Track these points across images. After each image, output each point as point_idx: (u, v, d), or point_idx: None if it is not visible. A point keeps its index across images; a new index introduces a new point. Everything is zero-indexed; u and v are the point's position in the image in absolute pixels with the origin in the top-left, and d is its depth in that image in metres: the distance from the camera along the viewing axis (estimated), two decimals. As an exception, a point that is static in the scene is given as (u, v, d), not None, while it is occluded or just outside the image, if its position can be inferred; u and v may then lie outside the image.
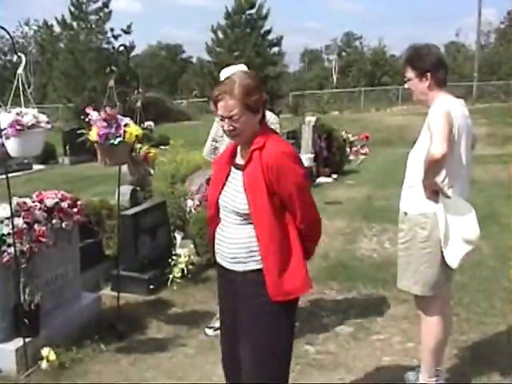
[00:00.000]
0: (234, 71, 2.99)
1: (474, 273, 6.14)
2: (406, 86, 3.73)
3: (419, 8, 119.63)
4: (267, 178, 2.71)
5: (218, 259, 2.99)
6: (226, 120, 2.75)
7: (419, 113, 25.71)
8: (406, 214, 3.69)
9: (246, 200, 2.76)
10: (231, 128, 2.75)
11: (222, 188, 2.90)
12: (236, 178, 2.86)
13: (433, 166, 3.37)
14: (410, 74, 3.63)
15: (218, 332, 4.73)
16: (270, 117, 4.45)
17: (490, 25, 55.85)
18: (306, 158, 12.27)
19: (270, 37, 39.28)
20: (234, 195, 2.83)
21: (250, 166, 2.77)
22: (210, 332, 4.85)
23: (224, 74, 4.48)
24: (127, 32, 36.05)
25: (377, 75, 54.49)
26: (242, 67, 4.55)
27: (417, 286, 3.67)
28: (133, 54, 39.95)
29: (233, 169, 2.91)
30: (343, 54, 65.60)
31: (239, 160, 2.90)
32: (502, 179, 12.37)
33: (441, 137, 3.30)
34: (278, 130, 4.41)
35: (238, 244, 2.84)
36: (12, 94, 3.95)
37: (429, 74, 3.55)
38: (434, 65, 3.56)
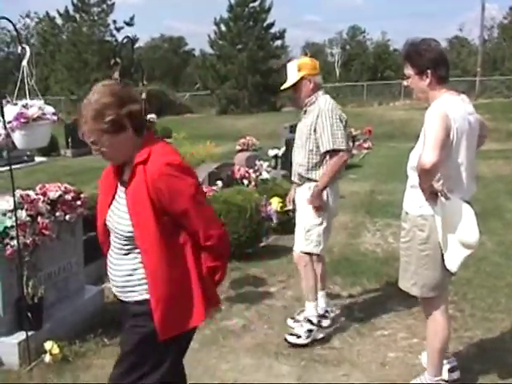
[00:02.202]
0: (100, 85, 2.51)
1: (478, 268, 6.11)
2: (405, 83, 3.60)
3: (422, 2, 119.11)
4: (154, 196, 2.40)
5: (111, 286, 2.72)
6: (93, 146, 2.46)
7: (422, 107, 25.61)
8: (407, 213, 3.64)
9: (131, 222, 2.46)
10: (100, 153, 2.47)
11: (109, 208, 2.61)
12: (122, 196, 2.57)
13: (423, 175, 3.29)
14: (409, 71, 3.49)
15: (296, 324, 4.76)
16: (326, 105, 4.45)
17: (493, 20, 55.69)
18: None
19: (272, 30, 39.24)
20: (120, 216, 2.53)
21: (133, 183, 2.46)
22: (290, 322, 4.85)
23: (290, 66, 4.55)
24: (130, 24, 36.06)
25: (379, 69, 54.40)
26: (305, 59, 4.62)
27: (415, 287, 3.63)
28: (135, 46, 39.87)
29: (119, 186, 2.61)
30: (347, 47, 65.44)
31: (124, 176, 2.58)
32: (505, 174, 12.35)
33: (433, 145, 3.19)
34: (327, 122, 4.36)
35: (125, 272, 2.56)
36: (18, 87, 3.92)
37: (429, 72, 3.39)
38: (435, 61, 3.41)
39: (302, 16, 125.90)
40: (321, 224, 4.53)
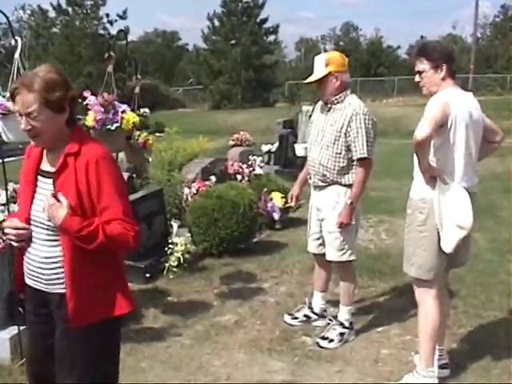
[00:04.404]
0: None
1: (471, 265, 6.08)
2: (417, 78, 3.74)
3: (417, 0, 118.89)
4: (82, 187, 2.46)
5: (28, 281, 2.67)
6: (24, 117, 2.44)
7: (415, 104, 25.67)
8: (411, 199, 3.78)
9: None
10: (29, 127, 2.45)
11: (32, 200, 2.58)
12: (45, 187, 2.55)
13: (417, 148, 3.48)
14: (424, 65, 3.66)
15: (294, 322, 4.85)
16: (359, 108, 4.29)
17: (486, 17, 55.76)
18: (303, 147, 12.21)
19: (266, 25, 39.16)
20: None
21: (64, 174, 2.49)
22: (287, 319, 4.89)
23: (318, 60, 4.40)
24: (123, 17, 35.86)
25: (373, 66, 54.37)
26: (335, 54, 4.48)
27: (413, 267, 3.76)
28: (128, 40, 39.71)
29: (39, 177, 2.59)
30: (340, 43, 65.33)
31: (46, 166, 2.59)
32: (498, 172, 12.35)
33: (426, 121, 3.41)
34: (361, 122, 4.23)
35: (56, 263, 2.54)
36: (11, 79, 3.87)
37: (445, 65, 3.61)
38: (449, 56, 3.66)
39: (296, 12, 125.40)
40: (354, 231, 4.51)
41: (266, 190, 6.37)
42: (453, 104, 3.48)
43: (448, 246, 3.58)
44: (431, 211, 3.59)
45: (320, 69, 4.36)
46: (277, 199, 4.99)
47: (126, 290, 2.69)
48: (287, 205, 4.83)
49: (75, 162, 2.47)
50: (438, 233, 3.59)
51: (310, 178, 4.60)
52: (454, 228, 3.54)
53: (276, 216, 4.79)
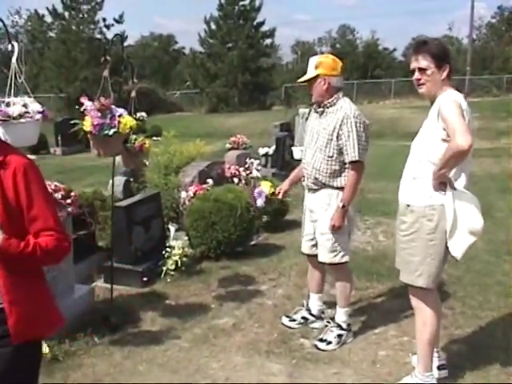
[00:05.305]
0: None
1: (468, 266, 6.13)
2: (416, 75, 3.57)
3: (412, 1, 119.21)
4: (10, 198, 2.31)
5: None
6: None
7: (411, 106, 25.73)
8: (408, 206, 3.64)
9: None
10: None
11: None
12: None
13: (459, 158, 3.31)
14: (428, 62, 3.50)
15: (292, 324, 4.85)
16: (350, 110, 4.31)
17: (481, 19, 55.87)
18: (300, 150, 12.22)
19: (262, 28, 39.20)
20: None
21: None
22: (285, 321, 4.90)
23: (311, 61, 4.44)
24: (119, 21, 35.84)
25: (369, 68, 54.45)
26: (327, 58, 4.48)
27: (421, 278, 3.64)
28: (125, 44, 39.60)
29: None
30: (337, 46, 65.44)
31: None
32: (494, 173, 12.40)
33: (463, 129, 3.24)
34: (352, 126, 4.25)
35: None
36: (8, 84, 3.86)
37: (448, 65, 3.53)
38: (450, 57, 3.61)
39: (291, 14, 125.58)
40: (346, 233, 4.50)
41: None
42: (462, 106, 3.42)
43: (459, 253, 3.52)
44: (441, 218, 3.49)
45: (310, 70, 4.42)
46: (265, 186, 4.91)
47: (55, 302, 2.57)
48: (273, 196, 4.87)
49: (1, 172, 2.33)
50: (446, 239, 3.52)
51: (304, 181, 4.63)
52: (466, 234, 3.48)
53: (260, 202, 4.71)
